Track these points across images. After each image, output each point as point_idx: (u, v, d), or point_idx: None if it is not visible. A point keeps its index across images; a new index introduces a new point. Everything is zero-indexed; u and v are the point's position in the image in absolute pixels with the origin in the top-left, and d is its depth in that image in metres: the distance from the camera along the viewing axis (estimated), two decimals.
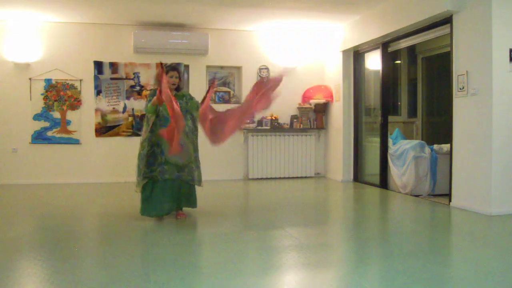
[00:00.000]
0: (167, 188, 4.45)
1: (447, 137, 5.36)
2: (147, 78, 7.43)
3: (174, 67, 4.58)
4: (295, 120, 7.93)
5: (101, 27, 7.31)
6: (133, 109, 7.39)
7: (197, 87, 7.71)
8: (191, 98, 4.63)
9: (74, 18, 7.02)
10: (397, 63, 8.41)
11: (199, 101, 4.64)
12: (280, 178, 7.88)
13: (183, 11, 6.66)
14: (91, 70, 7.26)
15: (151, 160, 4.39)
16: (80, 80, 7.26)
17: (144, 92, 7.39)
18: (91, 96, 7.29)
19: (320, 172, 8.18)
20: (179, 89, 4.58)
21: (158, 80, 4.19)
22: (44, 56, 7.16)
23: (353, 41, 7.10)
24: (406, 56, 8.40)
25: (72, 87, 7.23)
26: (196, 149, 4.60)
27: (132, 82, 7.37)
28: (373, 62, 7.17)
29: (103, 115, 7.32)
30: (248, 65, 7.86)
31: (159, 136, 4.32)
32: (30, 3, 6.22)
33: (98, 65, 7.28)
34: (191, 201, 4.63)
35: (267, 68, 7.90)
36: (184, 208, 4.74)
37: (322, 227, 4.58)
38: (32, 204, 5.77)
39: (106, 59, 7.30)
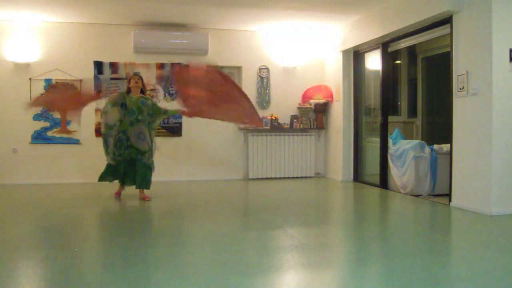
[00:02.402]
0: (134, 166, 5.52)
1: (447, 137, 5.37)
2: (147, 78, 7.42)
3: (136, 74, 5.91)
4: (295, 120, 7.93)
5: (101, 27, 7.31)
6: None
7: None
8: (153, 101, 5.81)
9: (74, 18, 7.02)
10: (397, 63, 8.41)
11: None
12: (280, 178, 7.88)
13: (183, 11, 6.66)
14: (91, 70, 7.26)
15: (118, 144, 5.45)
16: (80, 80, 7.26)
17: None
18: None
19: (320, 172, 8.18)
20: (143, 92, 5.74)
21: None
22: (44, 56, 7.17)
23: (353, 41, 7.10)
24: (406, 56, 8.40)
25: (72, 87, 7.24)
26: (152, 141, 5.63)
27: None
28: (373, 62, 7.17)
29: None
30: (248, 65, 7.87)
31: (125, 126, 5.44)
32: (30, 3, 6.21)
33: (98, 65, 7.28)
34: (145, 182, 5.56)
35: (267, 68, 7.90)
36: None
37: (322, 227, 4.57)
38: (32, 204, 5.77)
39: (106, 59, 7.30)
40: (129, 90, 5.65)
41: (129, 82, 5.70)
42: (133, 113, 5.47)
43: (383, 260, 3.35)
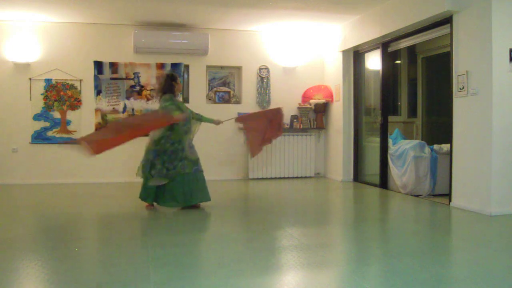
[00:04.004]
0: (183, 182, 4.89)
1: (447, 137, 5.37)
2: (147, 78, 7.43)
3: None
4: (295, 120, 7.93)
5: (101, 27, 7.31)
6: (133, 109, 7.38)
7: (197, 87, 7.73)
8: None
9: (74, 18, 7.02)
10: (397, 63, 8.41)
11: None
12: (280, 178, 7.88)
13: (183, 11, 6.66)
14: (91, 70, 7.26)
15: (172, 156, 4.83)
16: (80, 80, 7.26)
17: (144, 92, 7.39)
18: (91, 96, 7.29)
19: (320, 172, 8.18)
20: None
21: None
22: (44, 56, 7.17)
23: (353, 41, 7.10)
24: (406, 56, 8.40)
25: (72, 87, 7.24)
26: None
27: (132, 82, 7.37)
28: (373, 62, 7.17)
29: (103, 115, 7.32)
30: (248, 65, 7.87)
31: (180, 135, 4.84)
32: (30, 3, 6.21)
33: (98, 65, 7.28)
34: (207, 194, 5.03)
35: (267, 68, 7.90)
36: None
37: (322, 227, 4.58)
38: (32, 204, 5.77)
39: (106, 59, 7.30)
40: (173, 92, 4.94)
41: (174, 82, 4.94)
42: (187, 121, 4.88)
43: (383, 260, 3.35)
